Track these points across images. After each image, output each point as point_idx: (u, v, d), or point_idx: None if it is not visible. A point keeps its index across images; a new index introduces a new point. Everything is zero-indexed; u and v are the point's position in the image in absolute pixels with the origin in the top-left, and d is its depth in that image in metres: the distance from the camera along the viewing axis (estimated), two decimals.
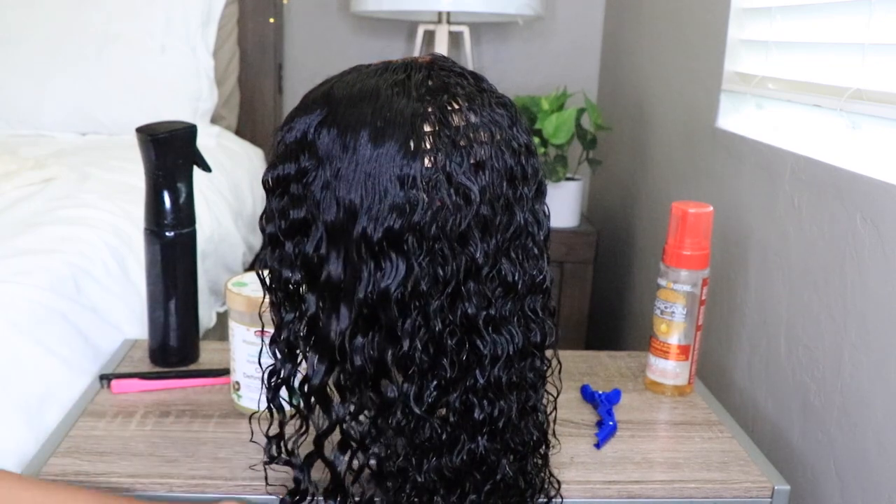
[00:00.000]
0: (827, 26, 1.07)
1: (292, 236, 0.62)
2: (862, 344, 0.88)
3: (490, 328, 0.62)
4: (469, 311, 0.60)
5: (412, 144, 0.57)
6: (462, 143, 0.58)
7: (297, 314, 0.63)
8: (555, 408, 0.73)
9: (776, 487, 0.81)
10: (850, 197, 0.92)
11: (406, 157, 0.57)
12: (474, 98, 0.60)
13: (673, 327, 0.96)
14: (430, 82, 0.60)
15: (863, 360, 0.88)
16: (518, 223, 0.61)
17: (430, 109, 0.58)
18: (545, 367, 0.68)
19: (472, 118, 0.59)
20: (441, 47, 1.87)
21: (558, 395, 0.74)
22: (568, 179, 1.79)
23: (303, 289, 0.63)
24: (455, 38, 1.99)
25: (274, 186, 0.62)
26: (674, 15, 1.58)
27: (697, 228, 0.95)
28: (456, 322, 0.60)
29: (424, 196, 0.57)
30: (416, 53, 1.92)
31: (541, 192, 0.64)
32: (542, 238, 0.64)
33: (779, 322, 1.07)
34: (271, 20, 2.06)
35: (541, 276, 0.64)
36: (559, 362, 0.71)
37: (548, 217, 0.65)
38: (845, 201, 0.93)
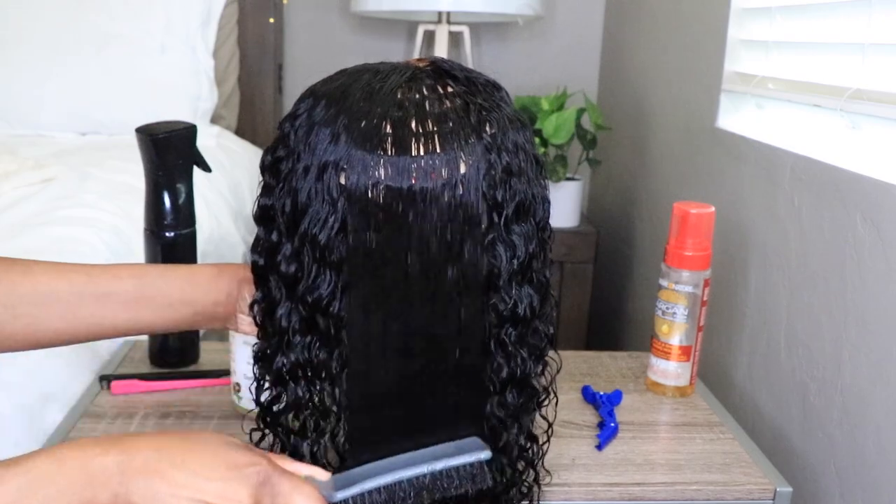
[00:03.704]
0: (827, 26, 1.07)
1: (260, 222, 0.63)
2: (862, 344, 0.88)
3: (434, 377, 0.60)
4: (409, 366, 0.59)
5: (361, 165, 0.56)
6: (415, 175, 0.56)
7: (260, 297, 0.64)
8: (548, 439, 0.71)
9: (778, 489, 0.81)
10: (850, 197, 0.92)
11: (351, 176, 0.56)
12: (447, 118, 0.57)
13: (674, 328, 0.96)
14: (402, 94, 0.58)
15: (863, 360, 0.88)
16: (470, 264, 0.58)
17: (388, 130, 0.56)
18: (519, 402, 0.64)
19: (437, 146, 0.56)
20: (441, 47, 1.87)
21: (550, 426, 0.71)
22: (568, 179, 1.79)
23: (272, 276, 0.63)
24: (455, 38, 1.99)
25: (262, 176, 0.63)
26: (674, 15, 1.58)
27: (699, 229, 0.94)
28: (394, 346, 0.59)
29: (363, 220, 0.57)
30: (416, 53, 1.92)
31: (512, 222, 0.60)
32: (513, 268, 0.60)
33: (779, 322, 1.07)
34: (271, 20, 2.06)
35: (510, 307, 0.60)
36: (555, 394, 0.69)
37: (527, 241, 0.60)
38: (845, 201, 0.93)
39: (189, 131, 0.96)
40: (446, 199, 0.57)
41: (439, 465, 0.59)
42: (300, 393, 0.62)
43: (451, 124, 0.57)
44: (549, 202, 0.63)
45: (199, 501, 0.53)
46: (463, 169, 0.57)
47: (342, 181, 0.56)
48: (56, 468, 0.51)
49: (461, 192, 0.57)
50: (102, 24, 1.82)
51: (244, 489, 0.55)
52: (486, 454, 0.61)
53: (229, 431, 0.84)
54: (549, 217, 0.63)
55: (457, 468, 0.60)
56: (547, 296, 0.64)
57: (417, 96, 0.58)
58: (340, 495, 0.58)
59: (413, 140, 0.56)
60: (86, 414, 0.87)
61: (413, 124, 0.57)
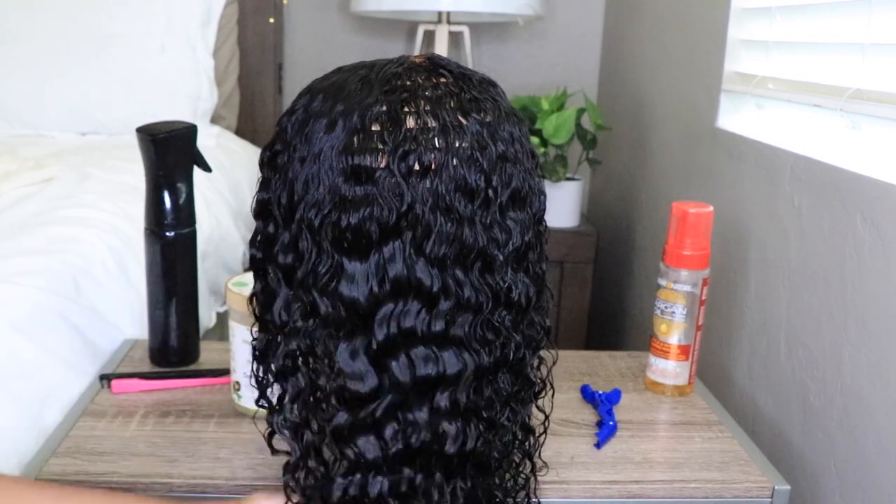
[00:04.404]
0: (827, 26, 1.07)
1: (259, 217, 0.63)
2: (862, 344, 0.88)
3: (437, 344, 0.59)
4: (405, 323, 0.58)
5: (357, 139, 0.57)
6: (410, 145, 0.57)
7: (260, 290, 0.65)
8: (545, 431, 0.71)
9: (776, 487, 0.81)
10: (850, 197, 0.92)
11: (347, 151, 0.57)
12: (442, 102, 0.59)
13: (673, 327, 0.96)
14: (397, 81, 0.59)
15: (863, 360, 0.88)
16: (467, 238, 0.58)
17: (383, 108, 0.58)
18: (515, 389, 0.64)
19: (431, 122, 0.58)
20: (441, 47, 1.87)
21: (547, 418, 0.71)
22: (568, 179, 1.79)
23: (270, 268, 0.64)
24: (455, 38, 1.99)
25: (260, 171, 0.64)
26: (674, 15, 1.58)
27: (698, 228, 0.95)
28: (394, 329, 0.58)
29: (360, 190, 0.57)
30: (416, 53, 1.92)
31: (508, 208, 0.60)
32: (508, 252, 0.60)
33: (779, 322, 1.07)
34: (271, 20, 2.06)
35: (504, 290, 0.60)
36: (551, 386, 0.69)
37: (524, 229, 0.61)
38: (845, 201, 0.93)
39: (189, 131, 0.96)
40: (442, 171, 0.57)
41: None
42: (301, 381, 0.62)
43: (445, 107, 0.58)
44: (545, 196, 0.64)
45: None
46: (457, 144, 0.58)
47: (334, 161, 0.57)
48: None
49: (455, 164, 0.58)
50: (102, 24, 1.82)
51: None
52: None
53: (229, 429, 0.85)
54: (545, 211, 0.64)
55: None
56: (543, 289, 0.64)
57: (409, 83, 0.59)
58: None
59: (407, 116, 0.57)
60: (86, 413, 0.87)
61: (408, 105, 0.58)
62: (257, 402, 0.67)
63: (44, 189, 1.30)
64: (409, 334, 0.58)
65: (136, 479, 0.76)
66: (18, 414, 0.83)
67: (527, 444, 0.69)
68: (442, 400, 0.59)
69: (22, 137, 1.73)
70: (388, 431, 0.59)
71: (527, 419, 0.68)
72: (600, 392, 0.96)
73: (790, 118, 1.14)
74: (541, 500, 0.73)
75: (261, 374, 0.66)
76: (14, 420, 0.82)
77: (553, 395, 0.71)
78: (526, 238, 0.61)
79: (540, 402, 0.70)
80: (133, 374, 0.94)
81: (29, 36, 1.80)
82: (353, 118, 0.58)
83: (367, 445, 0.59)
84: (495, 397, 0.62)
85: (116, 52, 1.80)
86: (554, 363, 0.69)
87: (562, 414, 0.91)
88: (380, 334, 0.58)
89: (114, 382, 0.92)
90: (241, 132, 2.07)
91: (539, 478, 0.73)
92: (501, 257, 0.60)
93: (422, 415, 0.59)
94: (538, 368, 0.67)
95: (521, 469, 0.69)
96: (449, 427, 0.60)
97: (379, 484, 0.60)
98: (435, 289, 0.58)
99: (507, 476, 0.68)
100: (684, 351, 0.97)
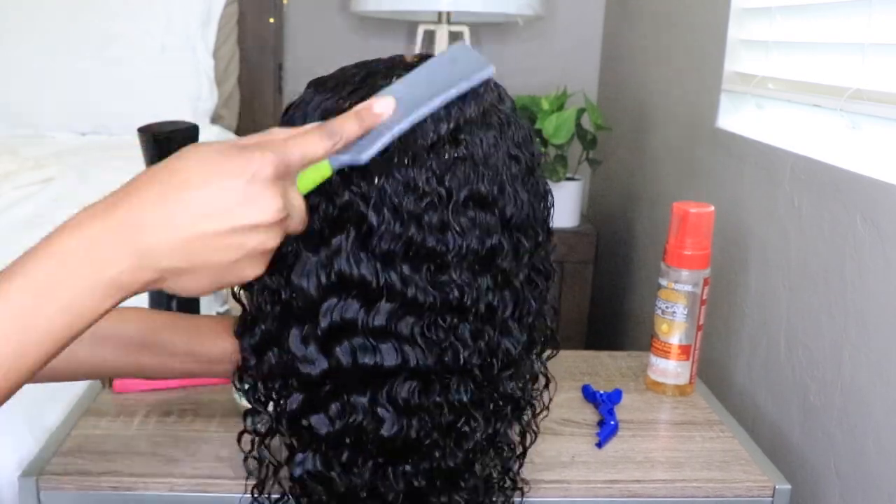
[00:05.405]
0: (827, 26, 1.07)
1: None
2: (862, 344, 0.89)
3: (378, 339, 0.59)
4: (346, 315, 0.59)
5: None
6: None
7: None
8: (534, 437, 0.71)
9: (777, 487, 0.81)
10: (850, 197, 0.92)
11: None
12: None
13: (674, 327, 0.97)
14: (395, 75, 0.60)
15: (863, 360, 0.88)
16: (414, 236, 0.58)
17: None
18: (477, 398, 0.63)
19: None
20: (441, 47, 1.87)
21: (536, 436, 0.71)
22: (568, 179, 1.79)
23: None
24: (455, 39, 1.99)
25: None
26: (674, 15, 1.58)
27: (699, 228, 0.95)
28: (337, 319, 0.59)
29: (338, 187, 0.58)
30: (416, 53, 1.92)
31: (465, 209, 0.59)
32: (461, 254, 0.59)
33: (779, 322, 1.07)
34: (271, 20, 2.06)
35: (455, 293, 0.59)
36: (545, 406, 0.69)
37: (485, 233, 0.60)
38: (845, 201, 0.93)
39: (191, 131, 0.96)
40: (399, 176, 0.58)
41: (453, 92, 0.57)
42: (273, 360, 0.62)
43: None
44: (543, 203, 0.64)
45: (232, 230, 0.51)
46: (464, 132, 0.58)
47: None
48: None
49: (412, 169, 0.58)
50: (102, 24, 1.82)
51: (267, 197, 0.50)
52: (490, 69, 0.59)
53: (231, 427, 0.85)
54: (522, 218, 0.62)
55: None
56: (524, 301, 0.63)
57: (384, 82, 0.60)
58: (365, 156, 0.55)
59: None
60: (88, 412, 0.87)
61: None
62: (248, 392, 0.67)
63: (44, 189, 1.30)
64: (350, 325, 0.59)
65: (137, 479, 0.76)
66: (19, 414, 0.83)
67: (504, 459, 0.68)
68: (383, 391, 0.60)
69: (22, 137, 1.73)
70: (333, 409, 0.60)
71: (507, 433, 0.67)
72: (601, 392, 0.96)
73: (790, 118, 1.14)
74: (542, 499, 0.73)
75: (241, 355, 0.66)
76: (15, 420, 0.82)
77: (543, 416, 0.71)
78: (488, 242, 0.60)
79: (527, 415, 0.69)
80: None
81: (29, 36, 1.80)
82: (349, 106, 0.58)
83: (319, 424, 0.60)
84: (445, 402, 0.61)
85: (116, 52, 1.80)
86: (547, 384, 0.69)
87: (563, 413, 0.91)
88: (323, 322, 0.59)
89: (115, 382, 0.92)
90: (241, 132, 2.07)
91: (540, 477, 0.73)
92: (452, 259, 0.59)
93: (361, 399, 0.60)
94: (522, 387, 0.66)
95: (503, 486, 0.69)
96: (386, 414, 0.60)
97: (321, 459, 0.61)
98: (375, 285, 0.58)
99: (479, 489, 0.67)
100: (685, 351, 0.97)
